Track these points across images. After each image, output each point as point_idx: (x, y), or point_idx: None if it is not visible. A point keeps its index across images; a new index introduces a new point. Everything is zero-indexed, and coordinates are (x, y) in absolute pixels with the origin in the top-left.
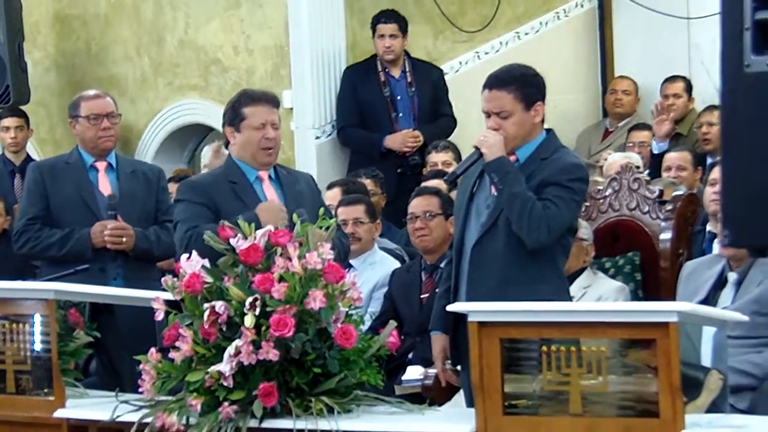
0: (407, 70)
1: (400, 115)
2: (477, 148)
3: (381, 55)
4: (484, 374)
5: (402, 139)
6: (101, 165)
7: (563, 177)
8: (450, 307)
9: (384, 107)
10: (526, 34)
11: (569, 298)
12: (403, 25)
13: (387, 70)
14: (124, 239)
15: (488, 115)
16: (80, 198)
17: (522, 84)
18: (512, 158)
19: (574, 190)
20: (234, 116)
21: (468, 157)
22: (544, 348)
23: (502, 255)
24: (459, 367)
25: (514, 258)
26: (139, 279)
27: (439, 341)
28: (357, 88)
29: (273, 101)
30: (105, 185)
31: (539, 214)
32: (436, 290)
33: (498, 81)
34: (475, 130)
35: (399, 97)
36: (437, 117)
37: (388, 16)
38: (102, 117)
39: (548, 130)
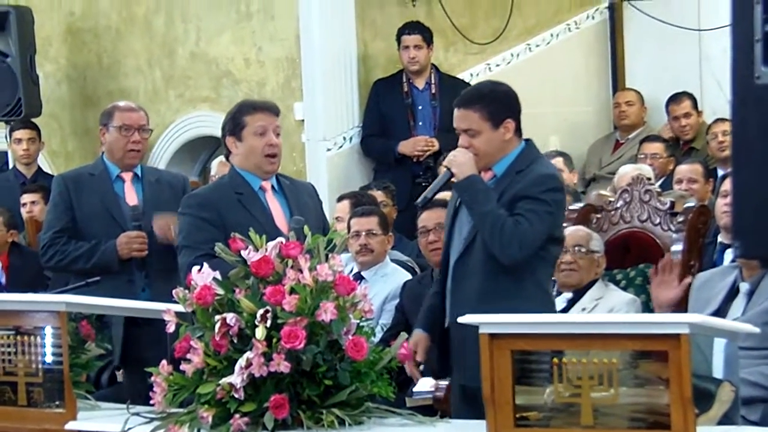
0: (432, 82)
1: (420, 124)
2: (448, 168)
3: (406, 66)
4: (495, 386)
5: (414, 144)
6: (127, 176)
7: (535, 189)
8: (462, 319)
9: (404, 116)
10: (537, 46)
11: (553, 311)
12: (427, 36)
13: (411, 81)
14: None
15: (459, 132)
16: (106, 210)
17: (488, 102)
18: (489, 174)
19: (546, 202)
20: (234, 125)
21: (439, 178)
22: (556, 360)
23: (480, 270)
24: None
25: (493, 273)
26: (166, 291)
27: (415, 336)
28: (380, 99)
29: (273, 109)
30: (131, 196)
31: (510, 231)
32: None
33: (464, 100)
34: None
35: (420, 107)
36: None
37: (412, 27)
38: (134, 130)
39: (527, 140)
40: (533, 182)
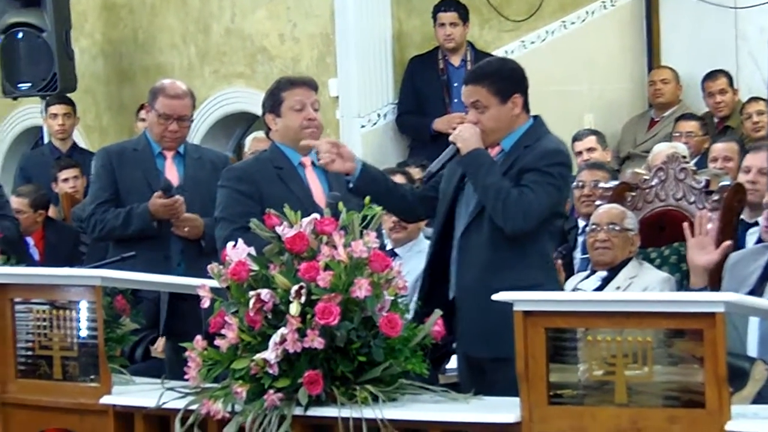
0: (468, 59)
1: (455, 101)
2: (453, 143)
3: (441, 43)
4: (529, 364)
5: (449, 121)
6: (169, 152)
7: (541, 162)
8: (497, 296)
9: (439, 94)
10: (573, 23)
11: (557, 285)
12: (463, 13)
13: (447, 58)
14: (186, 229)
15: (468, 107)
16: (147, 185)
17: (496, 78)
18: (497, 148)
19: (552, 175)
20: (273, 102)
21: (445, 153)
22: (590, 338)
23: (487, 242)
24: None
25: (499, 245)
26: (201, 267)
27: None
28: (416, 76)
29: (311, 84)
30: (172, 172)
31: (514, 201)
32: None
33: (473, 76)
34: None
35: (456, 85)
36: None
37: (448, 4)
38: (172, 119)
39: (535, 117)
40: (540, 156)
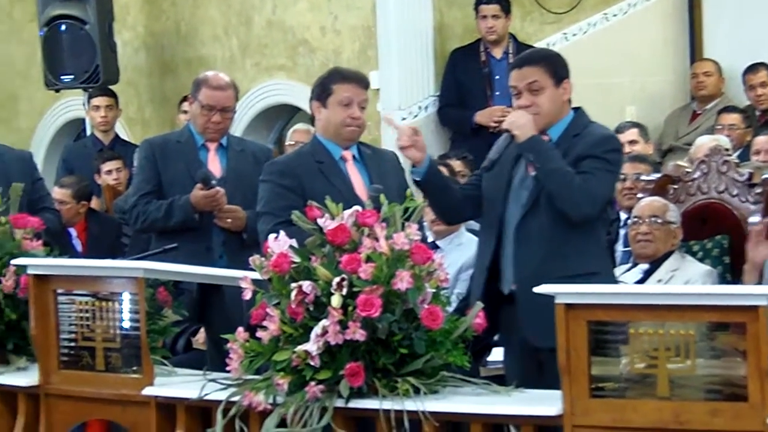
0: (510, 51)
1: (497, 93)
2: (507, 131)
3: (483, 36)
4: (571, 357)
5: (491, 114)
6: (212, 144)
7: (598, 149)
8: (537, 289)
9: (481, 86)
10: (615, 15)
11: (612, 274)
12: (505, 5)
13: (488, 50)
14: (229, 220)
15: (518, 94)
16: (189, 177)
17: (550, 61)
18: (544, 138)
19: (609, 161)
20: (322, 91)
21: (501, 141)
22: (632, 331)
23: (546, 232)
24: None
25: (558, 234)
26: (243, 259)
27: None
28: (458, 68)
29: (363, 81)
30: (215, 164)
31: (580, 187)
32: None
33: (526, 59)
34: None
35: (498, 77)
36: None
37: None
38: (216, 110)
39: (576, 108)
40: (596, 142)
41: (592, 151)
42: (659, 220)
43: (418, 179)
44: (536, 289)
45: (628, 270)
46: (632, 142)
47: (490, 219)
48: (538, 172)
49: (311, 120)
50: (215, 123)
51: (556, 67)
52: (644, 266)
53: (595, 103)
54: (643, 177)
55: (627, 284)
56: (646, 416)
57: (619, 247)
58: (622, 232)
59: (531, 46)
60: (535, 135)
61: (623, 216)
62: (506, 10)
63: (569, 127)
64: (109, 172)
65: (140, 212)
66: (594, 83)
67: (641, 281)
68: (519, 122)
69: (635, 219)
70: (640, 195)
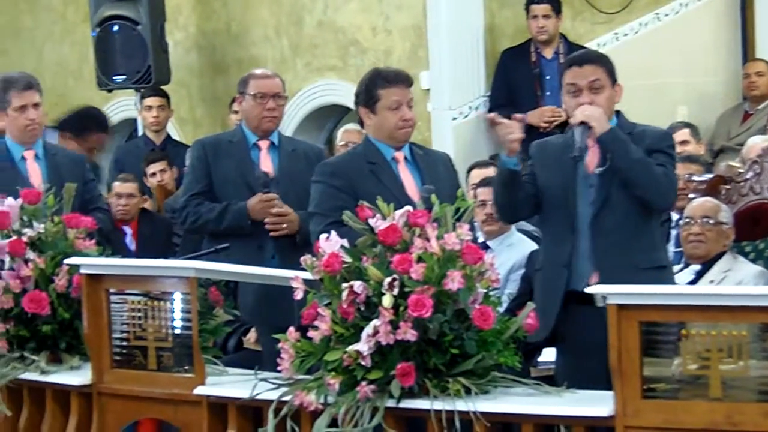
0: (561, 52)
1: (548, 93)
2: (584, 123)
3: (534, 36)
4: (623, 357)
5: (541, 114)
6: (264, 144)
7: (663, 144)
8: (589, 289)
9: (531, 87)
10: (666, 15)
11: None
12: (556, 5)
13: (539, 50)
14: (285, 225)
15: (577, 91)
16: (241, 176)
17: (608, 62)
18: None
19: (673, 156)
20: (368, 98)
21: (580, 134)
22: (684, 331)
23: (622, 226)
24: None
25: (633, 227)
26: (295, 258)
27: None
28: (508, 69)
29: (406, 81)
30: (267, 164)
31: (663, 176)
32: None
33: (587, 58)
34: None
35: (548, 77)
36: None
37: None
38: (268, 97)
39: (617, 112)
40: (660, 137)
41: (659, 146)
42: (711, 221)
43: (516, 168)
44: (587, 290)
45: (680, 271)
46: (684, 143)
47: (560, 217)
48: (619, 163)
49: (360, 122)
50: (270, 110)
51: (612, 68)
52: (696, 267)
53: (646, 103)
54: (695, 177)
55: (679, 285)
56: (698, 417)
57: (671, 248)
58: (673, 232)
59: (582, 47)
60: (613, 127)
61: (675, 216)
62: (557, 10)
63: (618, 127)
64: (154, 174)
65: (191, 212)
66: (645, 83)
67: (693, 282)
68: (595, 114)
69: (687, 219)
70: (691, 195)
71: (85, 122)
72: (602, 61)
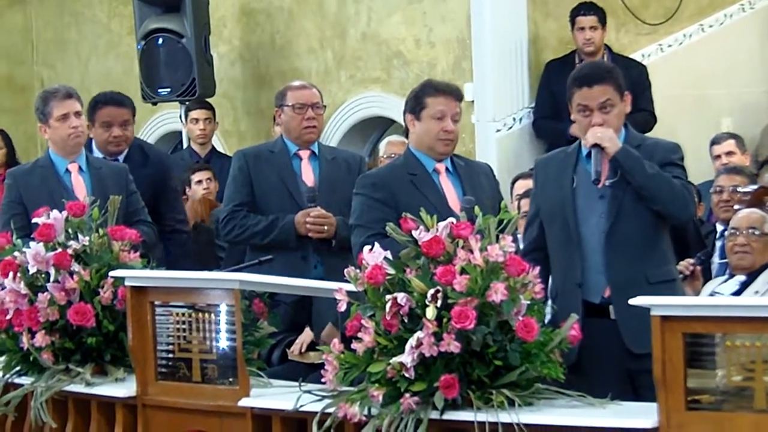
0: None
1: None
2: (597, 145)
3: (580, 48)
4: (667, 369)
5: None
6: (304, 153)
7: (675, 156)
8: (633, 301)
9: None
10: (711, 26)
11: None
12: (602, 17)
13: (584, 61)
14: (325, 227)
15: (588, 112)
16: (283, 186)
17: (616, 75)
18: None
19: (684, 168)
20: (416, 104)
21: (595, 157)
22: (728, 343)
23: (635, 238)
24: None
25: (646, 240)
26: (339, 269)
27: None
28: (552, 80)
29: (456, 94)
30: (308, 173)
31: (681, 189)
32: None
33: (597, 77)
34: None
35: None
36: (634, 111)
37: (587, 8)
38: (307, 107)
39: (625, 125)
40: (670, 149)
41: (671, 158)
42: (757, 232)
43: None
44: (632, 301)
45: (725, 281)
46: (729, 153)
47: (563, 235)
48: (636, 179)
49: (405, 132)
50: (310, 119)
51: (620, 80)
52: (741, 278)
53: (690, 114)
54: (740, 189)
55: (723, 296)
56: (742, 429)
57: (716, 259)
58: (718, 244)
59: (627, 58)
60: (624, 145)
61: (719, 228)
62: (603, 21)
63: (627, 140)
64: (199, 182)
65: (236, 225)
66: (690, 94)
67: (738, 293)
68: (607, 135)
69: (732, 231)
70: (736, 207)
71: (92, 103)
72: (610, 77)
